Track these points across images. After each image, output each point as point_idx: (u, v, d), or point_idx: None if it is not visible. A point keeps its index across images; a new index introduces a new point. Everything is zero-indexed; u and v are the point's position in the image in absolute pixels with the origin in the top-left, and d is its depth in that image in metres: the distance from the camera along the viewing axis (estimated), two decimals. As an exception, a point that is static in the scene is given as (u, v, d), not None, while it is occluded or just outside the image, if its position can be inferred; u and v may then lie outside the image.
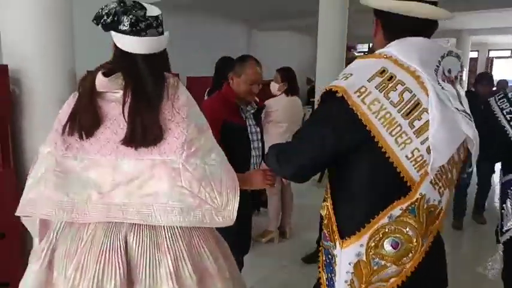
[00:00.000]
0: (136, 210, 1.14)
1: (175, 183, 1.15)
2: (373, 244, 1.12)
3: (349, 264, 1.15)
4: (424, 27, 1.14)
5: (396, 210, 1.09)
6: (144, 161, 1.15)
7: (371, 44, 12.58)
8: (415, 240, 1.11)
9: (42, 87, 2.35)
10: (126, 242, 1.14)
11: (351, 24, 5.44)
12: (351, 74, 1.11)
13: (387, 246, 1.11)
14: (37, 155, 1.26)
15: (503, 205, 1.78)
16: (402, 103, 1.05)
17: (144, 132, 1.14)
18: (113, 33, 1.18)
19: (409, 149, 1.05)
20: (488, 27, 10.97)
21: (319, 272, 1.29)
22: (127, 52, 1.17)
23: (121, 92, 1.17)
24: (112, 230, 1.15)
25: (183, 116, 1.18)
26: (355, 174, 1.12)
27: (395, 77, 1.07)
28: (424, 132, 1.05)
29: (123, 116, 1.16)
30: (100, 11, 1.16)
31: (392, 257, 1.12)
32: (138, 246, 1.14)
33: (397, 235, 1.11)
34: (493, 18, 9.58)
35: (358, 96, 1.06)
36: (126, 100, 1.16)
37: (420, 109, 1.05)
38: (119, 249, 1.12)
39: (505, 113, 1.79)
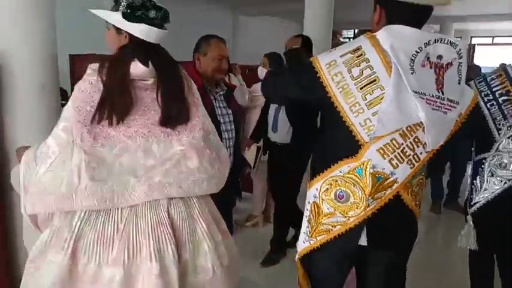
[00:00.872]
0: (178, 185, 1.26)
1: (202, 159, 1.31)
2: (324, 189, 1.35)
3: (308, 203, 1.42)
4: (421, 16, 1.27)
5: (345, 167, 1.31)
6: (173, 142, 1.28)
7: (357, 30, 12.64)
8: (359, 198, 1.29)
9: (23, 71, 2.30)
10: (168, 214, 1.25)
11: (336, 9, 5.43)
12: (334, 49, 1.33)
13: (334, 195, 1.34)
14: (46, 146, 1.22)
15: (474, 181, 1.95)
16: (360, 78, 1.24)
17: (177, 115, 1.29)
18: (130, 23, 1.26)
19: (362, 117, 1.24)
20: (471, 14, 11.09)
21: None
22: (146, 42, 1.28)
23: (151, 79, 1.29)
24: (155, 206, 1.25)
25: (197, 99, 1.39)
26: (323, 132, 1.41)
27: (364, 54, 1.25)
28: (375, 106, 1.23)
29: (157, 101, 1.27)
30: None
31: (339, 207, 1.33)
32: (178, 217, 1.27)
33: (345, 188, 1.32)
34: (476, 5, 9.68)
35: (327, 68, 1.28)
36: (159, 86, 1.28)
37: (374, 85, 1.23)
38: (166, 223, 1.23)
39: (482, 95, 1.90)
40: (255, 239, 3.33)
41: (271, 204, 3.67)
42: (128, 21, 1.25)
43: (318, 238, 1.39)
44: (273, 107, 2.93)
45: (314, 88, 1.30)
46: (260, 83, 3.49)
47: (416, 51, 1.22)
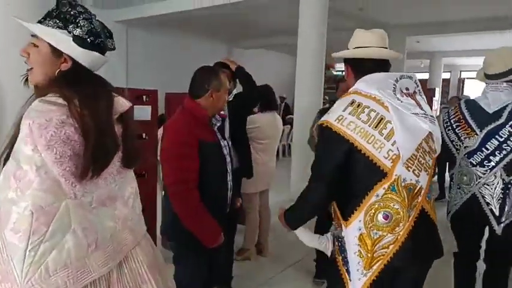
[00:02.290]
0: None
1: None
2: (368, 218, 1.46)
3: (355, 237, 1.49)
4: (383, 65, 1.58)
5: (380, 190, 1.45)
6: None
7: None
8: (401, 212, 1.45)
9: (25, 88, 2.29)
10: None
11: (329, 43, 5.55)
12: (332, 111, 1.53)
13: (380, 218, 1.45)
14: (30, 215, 0.97)
15: (449, 193, 2.31)
16: (370, 120, 1.46)
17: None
18: (82, 50, 1.13)
19: (385, 150, 1.44)
20: (460, 49, 11.42)
21: (336, 258, 1.59)
22: (90, 70, 1.17)
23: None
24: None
25: None
26: (342, 173, 1.48)
27: (362, 104, 1.49)
28: (392, 136, 1.45)
29: None
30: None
31: (387, 227, 1.45)
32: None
33: (387, 209, 1.45)
34: (464, 41, 9.99)
35: (338, 122, 1.48)
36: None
37: (384, 121, 1.46)
38: None
39: (442, 122, 2.25)
40: (248, 273, 3.23)
41: (264, 237, 3.61)
42: (81, 47, 1.09)
43: (374, 267, 1.48)
44: None
45: (338, 146, 1.47)
46: (254, 115, 3.53)
47: (393, 87, 1.50)
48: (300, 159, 5.60)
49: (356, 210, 1.47)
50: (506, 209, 2.04)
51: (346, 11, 6.94)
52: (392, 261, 1.45)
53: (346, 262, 1.53)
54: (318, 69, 5.59)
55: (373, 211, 1.46)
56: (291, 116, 8.35)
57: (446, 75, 14.28)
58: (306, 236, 1.73)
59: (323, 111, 2.57)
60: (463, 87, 14.98)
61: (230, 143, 2.17)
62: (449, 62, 13.20)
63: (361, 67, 1.57)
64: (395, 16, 7.65)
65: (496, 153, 2.02)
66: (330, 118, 1.50)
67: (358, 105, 1.48)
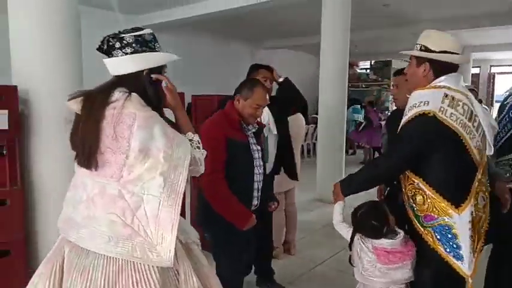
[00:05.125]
0: (76, 229, 1.18)
1: (108, 209, 1.14)
2: (475, 202, 1.66)
3: (469, 222, 1.63)
4: (457, 67, 1.79)
5: (478, 175, 1.68)
6: (95, 182, 1.18)
7: (373, 61, 12.72)
8: (487, 194, 1.74)
9: (50, 107, 2.39)
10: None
11: (353, 41, 5.50)
12: (428, 102, 1.66)
13: (480, 201, 1.69)
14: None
15: None
16: (465, 112, 1.66)
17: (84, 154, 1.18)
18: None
19: (475, 140, 1.66)
20: (490, 43, 11.06)
21: (432, 249, 1.68)
22: None
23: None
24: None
25: (125, 138, 1.15)
26: (445, 164, 1.66)
27: (455, 97, 1.67)
28: (480, 129, 1.69)
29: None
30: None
31: (483, 208, 1.70)
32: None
33: (481, 193, 1.70)
34: (494, 35, 9.66)
35: (442, 114, 1.63)
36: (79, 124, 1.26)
37: (473, 115, 1.68)
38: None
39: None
40: (276, 272, 3.25)
41: (291, 236, 3.63)
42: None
43: (478, 246, 1.69)
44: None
45: (438, 136, 1.64)
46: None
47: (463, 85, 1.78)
48: (325, 158, 5.59)
49: (468, 195, 1.64)
50: None
51: (370, 7, 6.86)
52: (488, 238, 1.72)
53: (453, 249, 1.65)
54: (342, 67, 5.56)
55: (475, 195, 1.67)
56: (315, 115, 8.32)
57: (475, 70, 13.85)
58: (343, 229, 1.85)
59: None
60: (493, 82, 14.47)
61: (274, 150, 2.58)
62: (478, 56, 12.79)
63: (445, 68, 1.74)
64: (421, 11, 7.49)
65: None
66: (434, 108, 1.64)
67: (453, 98, 1.66)
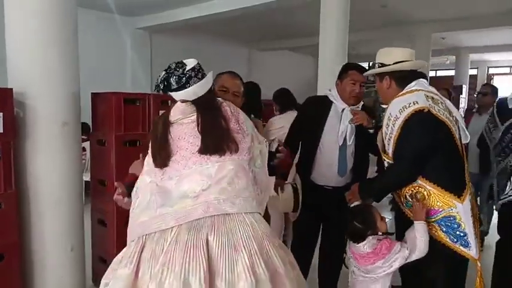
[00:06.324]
0: (231, 202, 1.39)
1: (248, 180, 1.46)
2: (470, 191, 1.77)
3: (471, 210, 1.74)
4: (420, 74, 1.95)
5: (466, 166, 1.81)
6: (226, 163, 1.44)
7: (371, 63, 12.68)
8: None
9: (47, 110, 2.37)
10: (207, 241, 1.31)
11: (351, 43, 5.50)
12: (417, 101, 1.73)
13: (472, 188, 1.81)
14: (136, 190, 1.49)
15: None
16: (446, 109, 1.80)
17: (214, 144, 1.44)
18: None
19: (457, 133, 1.79)
20: (487, 45, 11.08)
21: (439, 242, 1.75)
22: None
23: (195, 115, 1.48)
24: (193, 230, 1.33)
25: (246, 127, 1.53)
26: (443, 158, 1.74)
27: (434, 97, 1.79)
28: (457, 123, 1.81)
29: (199, 132, 1.45)
30: (156, 80, 1.50)
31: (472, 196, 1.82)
32: (217, 245, 1.31)
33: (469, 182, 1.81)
34: (492, 36, 9.69)
35: (433, 110, 1.72)
36: (199, 121, 1.47)
37: (449, 110, 1.81)
38: (201, 247, 1.28)
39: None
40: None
41: (289, 234, 3.59)
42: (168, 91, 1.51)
43: (477, 231, 1.80)
44: (335, 150, 2.41)
45: (437, 129, 1.73)
46: (275, 117, 3.55)
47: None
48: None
49: (466, 185, 1.75)
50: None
51: (369, 8, 6.86)
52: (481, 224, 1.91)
53: (460, 237, 1.73)
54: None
55: (469, 183, 1.78)
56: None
57: (473, 72, 13.87)
58: None
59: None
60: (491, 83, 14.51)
61: None
62: (476, 58, 12.82)
63: (405, 77, 1.85)
64: (420, 12, 7.50)
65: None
66: (425, 105, 1.72)
67: (432, 98, 1.78)
